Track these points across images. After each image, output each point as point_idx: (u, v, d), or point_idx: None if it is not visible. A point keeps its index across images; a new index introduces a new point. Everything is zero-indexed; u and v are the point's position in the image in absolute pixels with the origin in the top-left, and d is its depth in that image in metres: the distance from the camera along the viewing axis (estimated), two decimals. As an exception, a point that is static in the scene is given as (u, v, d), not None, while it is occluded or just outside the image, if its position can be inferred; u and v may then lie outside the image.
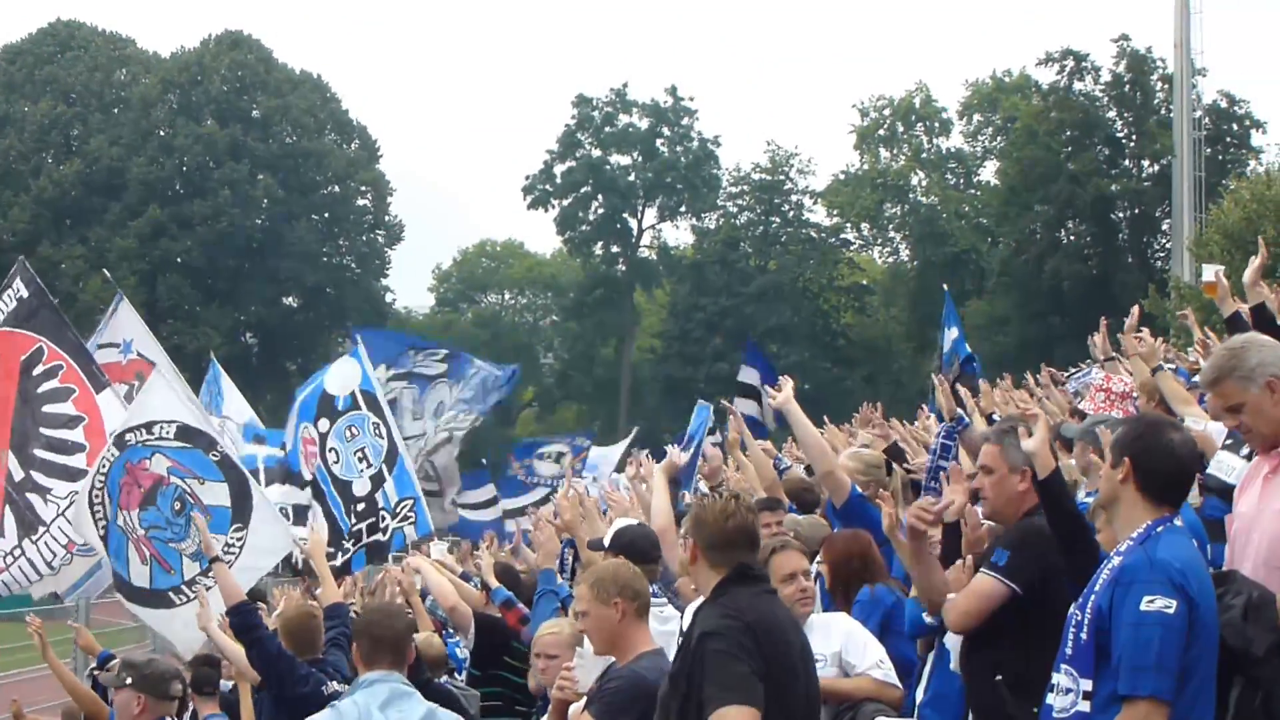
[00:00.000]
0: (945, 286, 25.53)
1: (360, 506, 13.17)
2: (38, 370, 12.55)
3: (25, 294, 12.79)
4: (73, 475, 12.28)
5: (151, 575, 11.18)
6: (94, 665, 10.82)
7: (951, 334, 19.03)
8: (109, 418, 12.34)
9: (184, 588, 10.90)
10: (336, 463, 13.17)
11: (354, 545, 12.91)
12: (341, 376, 13.69)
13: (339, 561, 12.36)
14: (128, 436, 11.37)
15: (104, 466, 11.31)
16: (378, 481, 13.32)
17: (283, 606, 12.13)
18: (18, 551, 12.07)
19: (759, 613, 5.01)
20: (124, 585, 11.24)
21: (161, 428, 11.34)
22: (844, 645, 6.31)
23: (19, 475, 12.24)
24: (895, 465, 9.03)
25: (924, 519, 5.95)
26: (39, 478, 12.29)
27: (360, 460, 13.38)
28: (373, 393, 13.74)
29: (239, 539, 11.32)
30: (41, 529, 12.16)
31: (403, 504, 13.37)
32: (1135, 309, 9.94)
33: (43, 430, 12.43)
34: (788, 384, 8.37)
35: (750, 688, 4.80)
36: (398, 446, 13.68)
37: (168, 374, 15.25)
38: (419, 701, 6.10)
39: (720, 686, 4.80)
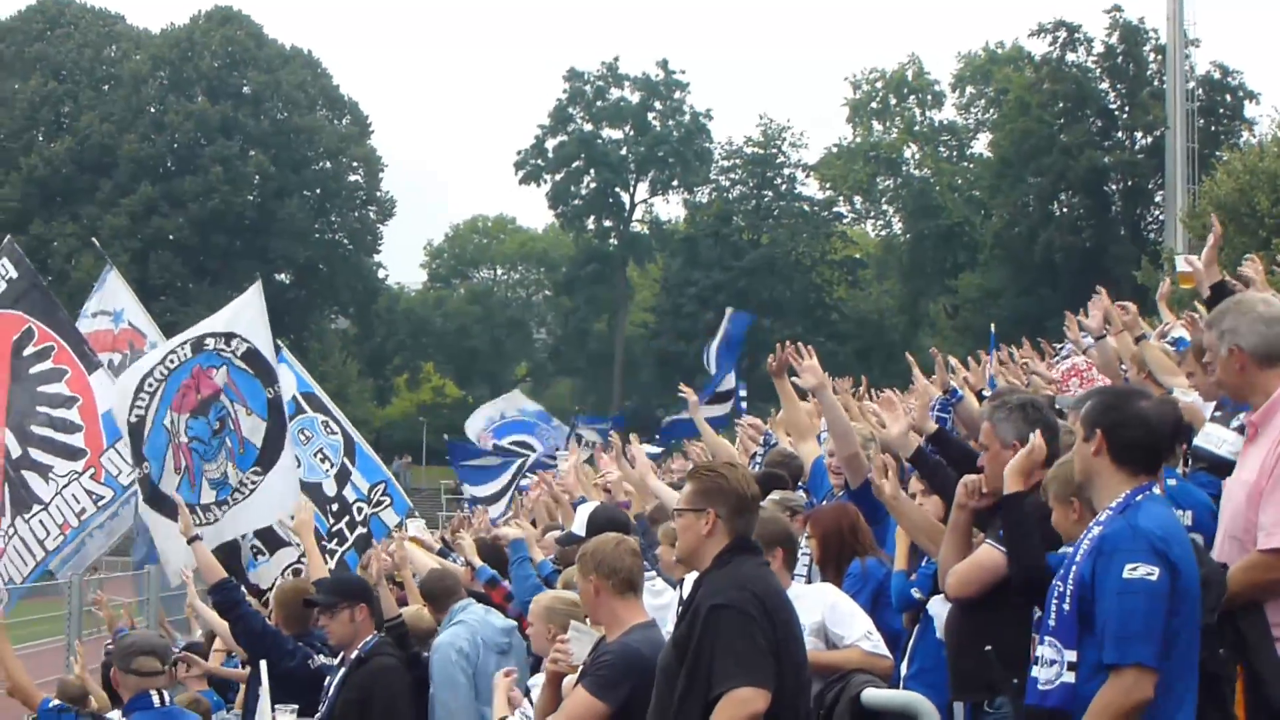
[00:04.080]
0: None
1: (334, 506, 13.22)
2: (28, 351, 12.48)
3: (14, 275, 12.72)
4: (73, 454, 12.22)
5: (179, 485, 11.16)
6: (109, 641, 10.74)
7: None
8: (101, 399, 12.30)
9: (197, 509, 10.87)
10: (299, 467, 13.18)
11: (340, 546, 12.92)
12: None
13: (332, 563, 12.31)
14: (207, 341, 11.38)
15: (171, 361, 11.27)
16: (343, 477, 13.37)
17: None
18: (11, 530, 12.02)
19: (765, 584, 5.05)
20: (150, 488, 11.13)
21: (238, 342, 11.38)
22: (826, 616, 6.29)
23: (16, 452, 12.17)
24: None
25: (973, 492, 5.79)
26: (38, 455, 12.21)
27: (322, 460, 13.42)
28: (311, 392, 13.74)
29: (255, 483, 11.36)
30: (37, 507, 12.07)
31: (374, 489, 13.44)
32: (1099, 299, 9.90)
33: (40, 409, 12.37)
34: (813, 363, 7.93)
35: (763, 666, 4.81)
36: (353, 437, 13.72)
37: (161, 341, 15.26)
38: (496, 615, 8.55)
39: (733, 663, 4.80)
